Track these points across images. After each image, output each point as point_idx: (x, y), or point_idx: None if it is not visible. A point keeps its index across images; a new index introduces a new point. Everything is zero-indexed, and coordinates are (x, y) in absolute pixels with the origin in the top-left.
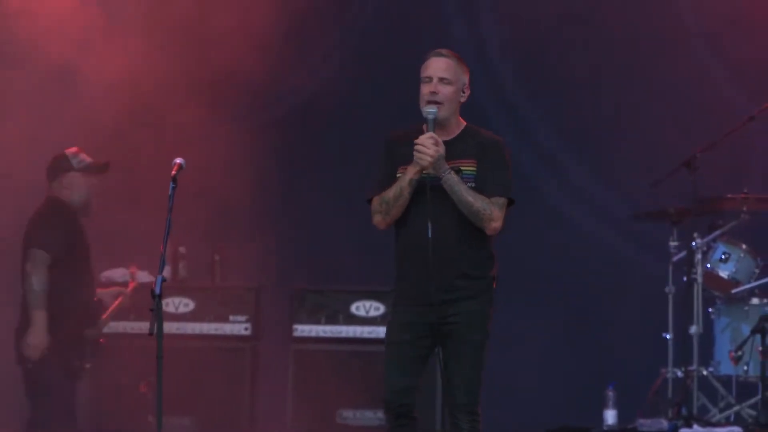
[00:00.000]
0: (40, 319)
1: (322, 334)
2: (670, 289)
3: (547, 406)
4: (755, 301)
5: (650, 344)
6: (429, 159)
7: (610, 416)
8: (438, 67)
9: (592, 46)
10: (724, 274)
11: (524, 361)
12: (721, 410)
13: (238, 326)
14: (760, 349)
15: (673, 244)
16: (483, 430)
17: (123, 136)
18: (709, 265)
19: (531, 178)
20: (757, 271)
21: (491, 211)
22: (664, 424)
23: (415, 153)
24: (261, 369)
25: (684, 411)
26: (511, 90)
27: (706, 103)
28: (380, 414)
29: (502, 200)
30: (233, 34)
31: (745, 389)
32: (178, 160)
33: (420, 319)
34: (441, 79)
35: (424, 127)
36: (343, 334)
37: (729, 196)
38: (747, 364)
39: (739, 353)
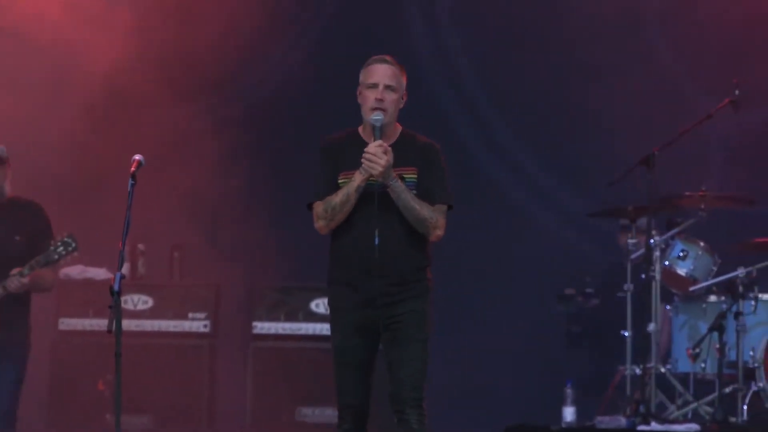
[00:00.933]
0: None
1: (281, 332)
2: (628, 286)
3: (507, 403)
4: (713, 298)
5: (609, 342)
6: (380, 168)
7: (569, 413)
8: (384, 74)
9: (553, 46)
10: (682, 271)
11: (483, 359)
12: (679, 407)
13: (197, 323)
14: (717, 346)
15: (631, 241)
16: (445, 428)
17: (82, 133)
18: (667, 263)
19: (490, 177)
20: (714, 268)
21: (436, 219)
22: (622, 421)
23: (364, 161)
24: (220, 366)
25: (642, 408)
26: (470, 90)
27: (664, 101)
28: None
29: (444, 207)
30: (196, 29)
31: (702, 386)
32: (137, 157)
33: (366, 321)
34: (387, 86)
35: (360, 129)
36: (303, 332)
37: (687, 194)
38: (704, 361)
39: (697, 350)
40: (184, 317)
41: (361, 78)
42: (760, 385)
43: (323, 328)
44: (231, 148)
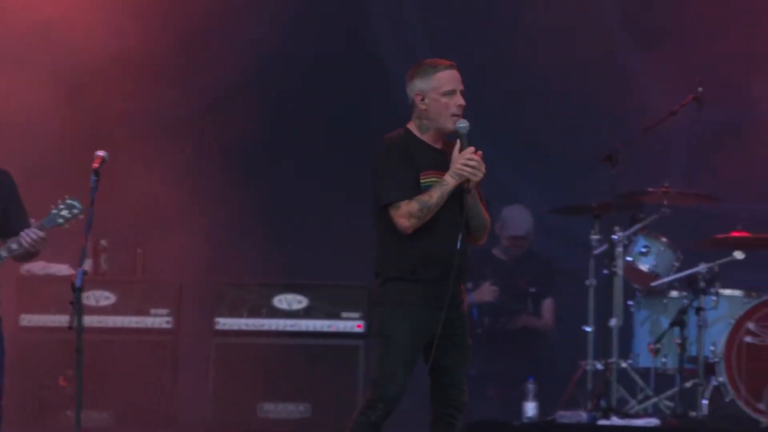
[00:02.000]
0: None
1: (244, 328)
2: (591, 282)
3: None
4: (674, 294)
5: (571, 337)
6: (481, 176)
7: (530, 408)
8: (459, 80)
9: (516, 44)
10: (644, 267)
11: None
12: (640, 402)
13: (159, 320)
14: (678, 341)
15: (594, 237)
16: (407, 424)
17: (44, 126)
18: (629, 258)
19: None
20: (676, 264)
21: (490, 221)
22: (583, 416)
23: (465, 168)
24: (182, 363)
25: (603, 403)
26: None
27: (627, 97)
28: (301, 407)
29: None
30: (154, 26)
31: (663, 381)
32: (101, 153)
33: (430, 321)
34: (461, 91)
35: (414, 130)
36: (266, 328)
37: (650, 190)
38: (665, 356)
39: (658, 345)
40: (147, 313)
41: (431, 84)
42: (720, 379)
43: (286, 324)
44: (195, 145)
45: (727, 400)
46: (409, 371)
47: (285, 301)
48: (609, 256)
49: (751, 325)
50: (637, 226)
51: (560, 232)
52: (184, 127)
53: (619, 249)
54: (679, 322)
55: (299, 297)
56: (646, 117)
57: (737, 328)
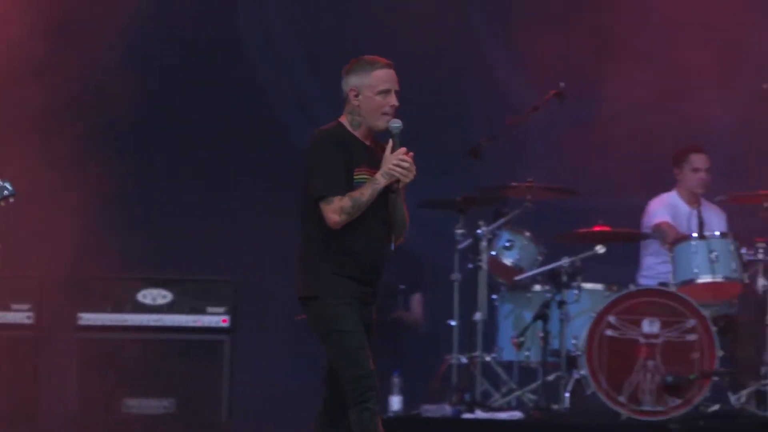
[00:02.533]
0: None
1: (108, 323)
2: (456, 276)
3: (299, 398)
4: (537, 287)
5: (436, 331)
6: (412, 177)
7: (395, 402)
8: (394, 79)
9: (383, 35)
10: (508, 261)
11: (303, 350)
12: (503, 395)
13: (20, 315)
14: (541, 335)
15: (458, 231)
16: (266, 424)
17: None
18: (493, 253)
19: None
20: (539, 258)
21: (407, 226)
22: (448, 409)
23: (398, 169)
24: (45, 358)
25: (467, 397)
26: (301, 77)
27: (491, 92)
28: (166, 403)
29: None
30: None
31: (526, 374)
32: None
33: (362, 318)
34: (396, 92)
35: (346, 125)
36: (130, 323)
37: (513, 184)
38: (528, 349)
39: (521, 339)
40: (7, 309)
41: (366, 81)
42: (582, 372)
43: (150, 319)
44: (57, 138)
45: (589, 392)
46: (370, 355)
47: (149, 295)
48: (473, 251)
49: (611, 319)
50: (501, 220)
51: (426, 227)
52: (48, 118)
53: (484, 243)
54: (542, 315)
55: (164, 292)
56: (511, 111)
57: (598, 321)
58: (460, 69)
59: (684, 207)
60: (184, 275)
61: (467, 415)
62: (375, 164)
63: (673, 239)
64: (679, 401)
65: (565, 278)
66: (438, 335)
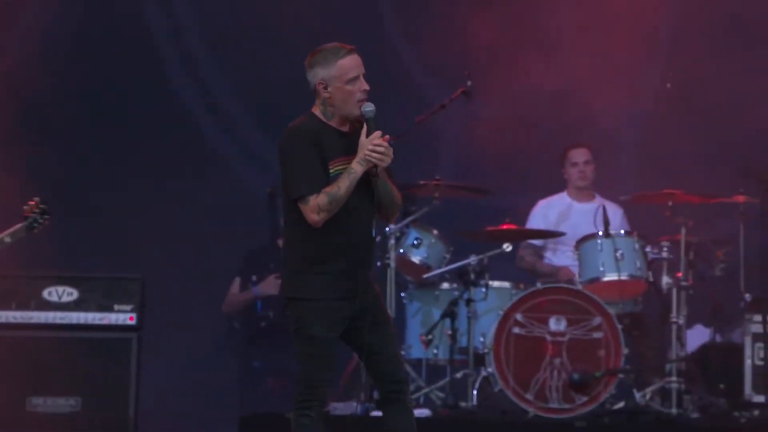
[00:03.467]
0: None
1: (12, 320)
2: None
3: (248, 391)
4: (445, 285)
5: None
6: (389, 161)
7: None
8: (360, 63)
9: (287, 26)
10: (416, 259)
11: (219, 349)
12: (412, 393)
13: None
14: (449, 332)
15: None
16: (173, 423)
17: None
18: (401, 251)
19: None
20: (447, 256)
21: (400, 198)
22: (357, 407)
23: (373, 155)
24: None
25: (375, 394)
26: (207, 69)
27: (399, 90)
28: (72, 401)
29: None
30: None
31: (434, 372)
32: None
33: (345, 312)
34: (363, 75)
35: (318, 115)
36: (35, 320)
37: (421, 182)
38: (437, 347)
39: (430, 337)
40: None
41: (333, 72)
42: (490, 370)
43: (56, 317)
44: None
45: (497, 390)
46: (334, 362)
47: (55, 293)
48: (381, 248)
49: (519, 317)
50: (409, 218)
51: None
52: None
53: (392, 241)
54: (450, 313)
55: (70, 289)
56: (418, 109)
57: (506, 319)
58: (368, 65)
59: (576, 205)
60: (90, 272)
61: (376, 413)
62: (353, 151)
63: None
64: (585, 398)
65: (472, 276)
66: None
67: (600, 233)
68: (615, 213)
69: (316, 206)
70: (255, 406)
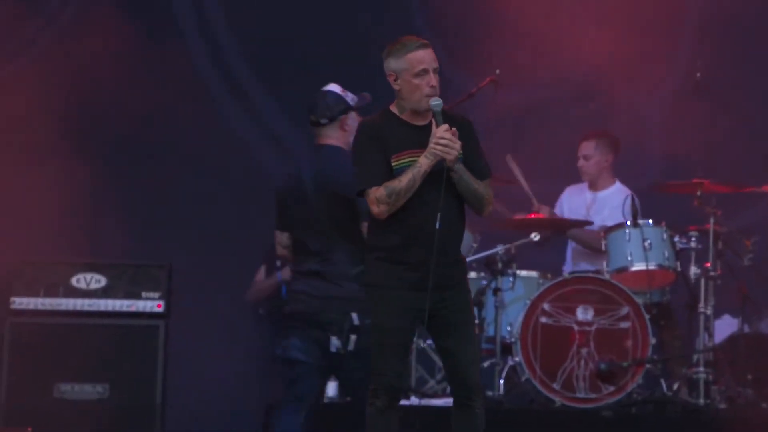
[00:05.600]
0: None
1: (41, 307)
2: None
3: (271, 379)
4: (473, 275)
5: None
6: (456, 154)
7: (331, 388)
8: (431, 58)
9: (312, 18)
10: None
11: (247, 337)
12: (438, 382)
13: None
14: (477, 322)
15: None
16: (200, 411)
17: None
18: None
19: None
20: (474, 245)
21: (490, 195)
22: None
23: (437, 147)
24: None
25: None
26: (234, 64)
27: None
28: (99, 388)
29: (489, 181)
30: None
31: None
32: None
33: (416, 304)
34: (435, 70)
35: (394, 109)
36: (63, 307)
37: None
38: None
39: None
40: None
41: (402, 65)
42: (517, 359)
43: (84, 304)
44: None
45: (523, 379)
46: (404, 353)
47: (83, 280)
48: None
49: (546, 306)
50: None
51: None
52: None
53: None
54: (477, 302)
55: (98, 276)
56: (447, 98)
57: (533, 308)
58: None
59: (587, 194)
60: (118, 259)
61: (402, 402)
62: (425, 144)
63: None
64: (612, 388)
65: (500, 265)
66: None
67: (628, 222)
68: (618, 197)
69: (375, 199)
70: (281, 394)
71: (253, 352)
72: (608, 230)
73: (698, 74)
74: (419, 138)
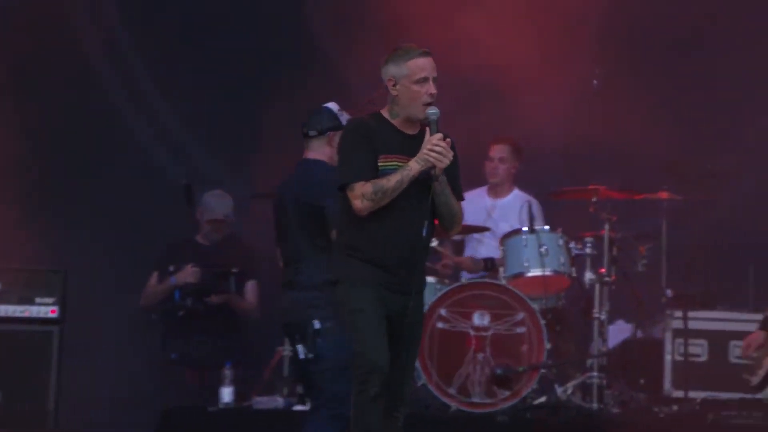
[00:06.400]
0: None
1: None
2: None
3: (165, 383)
4: None
5: (269, 323)
6: (447, 162)
7: (226, 394)
8: (432, 66)
9: (224, 35)
10: None
11: (142, 343)
12: None
13: None
14: None
15: None
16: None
17: None
18: None
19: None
20: None
21: (462, 214)
22: (279, 401)
23: (431, 154)
24: None
25: (298, 389)
26: (133, 67)
27: (328, 85)
28: None
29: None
30: None
31: None
32: None
33: (389, 304)
34: (434, 79)
35: (385, 114)
36: None
37: None
38: None
39: None
40: None
41: (402, 71)
42: None
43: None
44: None
45: (419, 384)
46: (386, 339)
47: None
48: None
49: (443, 311)
50: None
51: (261, 217)
52: None
53: None
54: None
55: None
56: (346, 105)
57: (430, 314)
58: (299, 65)
59: (492, 200)
60: (13, 265)
61: (299, 407)
62: (414, 153)
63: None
64: (507, 393)
65: None
66: (271, 327)
67: (525, 229)
68: (527, 206)
69: (361, 194)
70: (175, 400)
71: (147, 357)
72: (505, 236)
73: (595, 81)
74: (409, 146)
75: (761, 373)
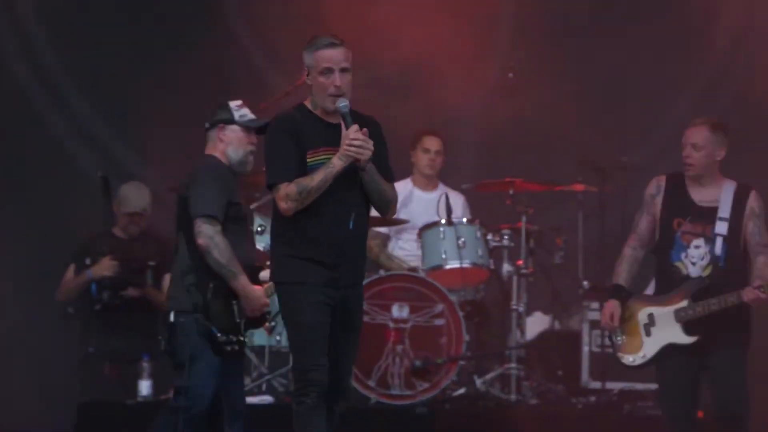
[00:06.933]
0: None
1: None
2: None
3: (84, 377)
4: None
5: None
6: (369, 155)
7: (145, 387)
8: (338, 57)
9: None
10: (260, 246)
11: (56, 336)
12: (254, 380)
13: None
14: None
15: None
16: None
17: None
18: None
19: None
20: None
21: (395, 196)
22: None
23: (350, 149)
24: None
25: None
26: (47, 57)
27: (249, 79)
28: None
29: (392, 183)
30: None
31: (277, 359)
32: None
33: (329, 301)
34: (343, 70)
35: (308, 104)
36: None
37: (264, 169)
38: (279, 334)
39: (273, 324)
40: None
41: (310, 62)
42: None
43: None
44: None
45: None
46: (325, 345)
47: None
48: None
49: None
50: (254, 204)
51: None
52: None
53: None
54: None
55: None
56: (262, 97)
57: None
58: (217, 53)
59: (419, 193)
60: None
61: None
62: (339, 142)
63: None
64: (426, 385)
65: None
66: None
67: (442, 221)
68: (456, 201)
69: (285, 195)
70: (93, 393)
71: (64, 352)
72: (423, 228)
73: (510, 74)
74: (334, 135)
75: (644, 353)
